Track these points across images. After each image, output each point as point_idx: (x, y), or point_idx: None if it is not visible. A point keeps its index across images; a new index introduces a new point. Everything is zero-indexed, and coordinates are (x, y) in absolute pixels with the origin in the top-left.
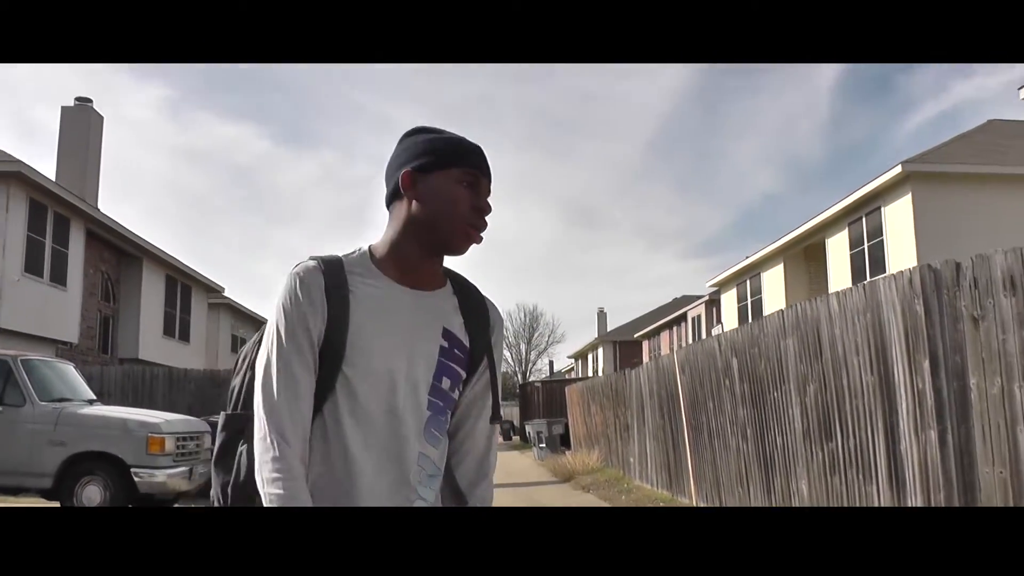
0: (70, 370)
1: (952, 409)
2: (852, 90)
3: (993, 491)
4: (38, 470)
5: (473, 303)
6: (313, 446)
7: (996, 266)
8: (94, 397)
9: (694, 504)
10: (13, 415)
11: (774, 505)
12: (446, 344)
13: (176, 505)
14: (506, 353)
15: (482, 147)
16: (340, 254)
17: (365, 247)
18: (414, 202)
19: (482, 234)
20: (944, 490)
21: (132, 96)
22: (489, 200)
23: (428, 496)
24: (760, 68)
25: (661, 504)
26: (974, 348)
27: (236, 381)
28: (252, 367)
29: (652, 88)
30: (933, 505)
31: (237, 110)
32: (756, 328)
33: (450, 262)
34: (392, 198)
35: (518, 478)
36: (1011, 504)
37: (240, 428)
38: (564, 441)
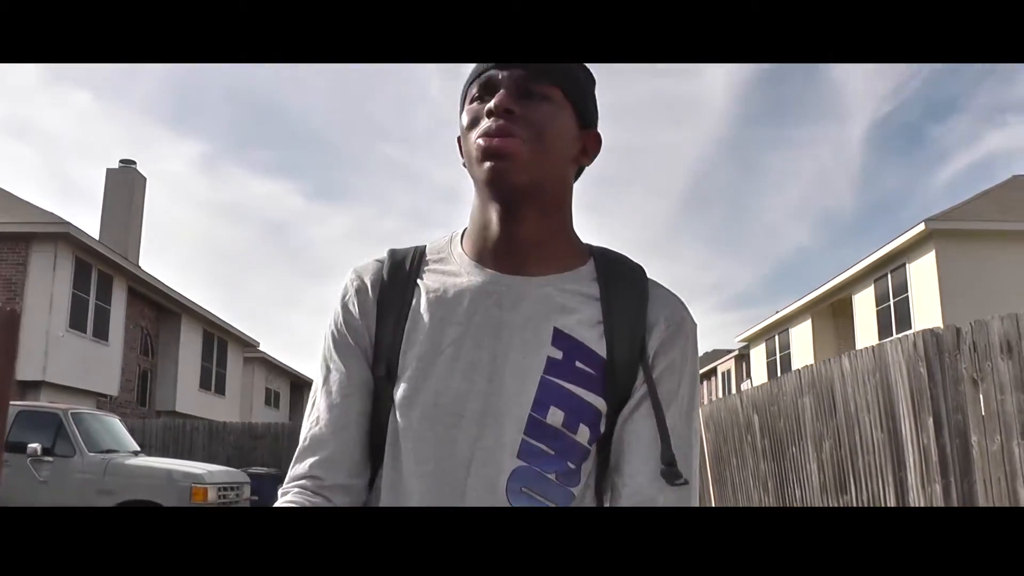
0: (116, 422)
1: (955, 465)
2: (884, 142)
3: None
4: None
5: (624, 290)
6: (381, 496)
7: (993, 331)
8: (138, 448)
9: None
10: (63, 465)
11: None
12: (559, 355)
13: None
14: None
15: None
16: (428, 242)
17: (460, 229)
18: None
19: (498, 140)
20: None
21: (170, 151)
22: (510, 94)
23: None
24: (793, 120)
25: None
26: (974, 408)
27: None
28: None
29: (686, 141)
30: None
31: (271, 166)
32: (775, 386)
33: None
34: None
35: None
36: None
37: None
38: None
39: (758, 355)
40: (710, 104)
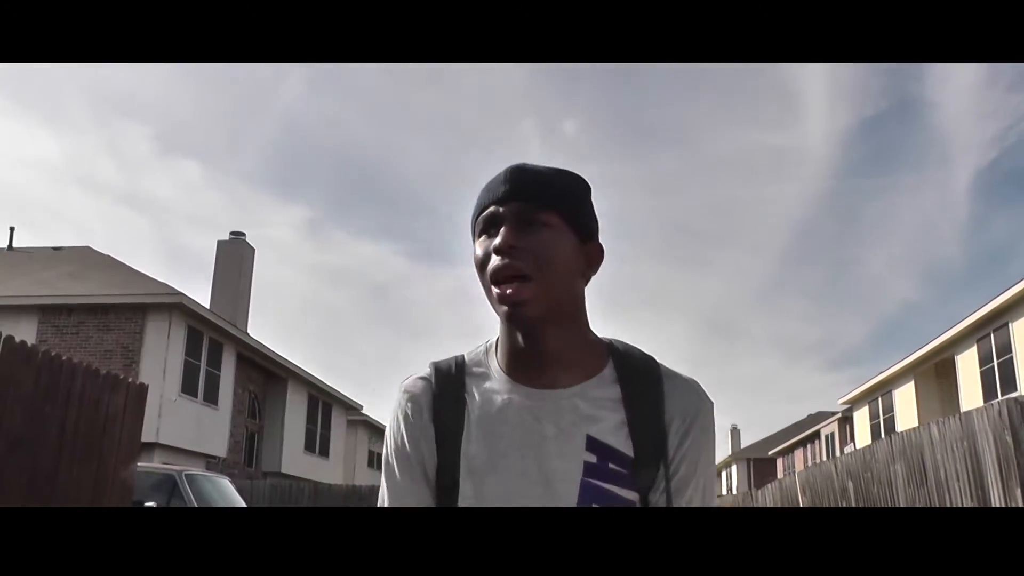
0: (226, 483)
1: None
2: (990, 191)
3: None
4: None
5: (642, 388)
6: None
7: None
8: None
9: None
10: None
11: None
12: (594, 459)
13: None
14: None
15: (518, 167)
16: (466, 352)
17: (494, 338)
18: None
19: (512, 287)
20: None
21: (275, 218)
22: (512, 229)
23: None
24: (896, 168)
25: None
26: None
27: None
28: None
29: (784, 193)
30: None
31: (374, 228)
32: (868, 453)
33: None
34: None
35: None
36: None
37: None
38: None
39: (861, 417)
40: (808, 156)
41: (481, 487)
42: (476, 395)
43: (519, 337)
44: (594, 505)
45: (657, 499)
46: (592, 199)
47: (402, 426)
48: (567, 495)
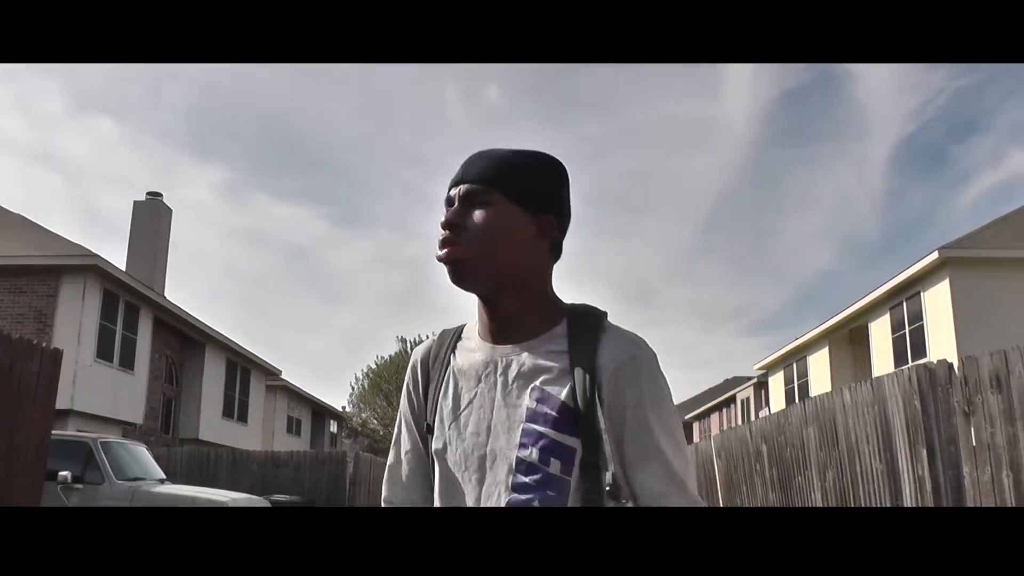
0: (142, 451)
1: (948, 495)
2: (907, 163)
3: None
4: None
5: (584, 341)
6: None
7: (983, 366)
8: (164, 476)
9: None
10: (92, 492)
11: None
12: (535, 405)
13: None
14: None
15: (480, 152)
16: (470, 322)
17: None
18: None
19: (445, 250)
20: None
21: (191, 178)
22: (457, 208)
23: None
24: (816, 139)
25: None
26: (966, 440)
27: None
28: None
29: (706, 163)
30: None
31: (293, 191)
32: (782, 417)
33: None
34: None
35: None
36: None
37: None
38: None
39: (776, 383)
40: (731, 126)
41: (443, 433)
42: (458, 355)
43: (479, 302)
44: (530, 448)
45: (597, 445)
46: (559, 175)
47: (407, 384)
48: (508, 441)
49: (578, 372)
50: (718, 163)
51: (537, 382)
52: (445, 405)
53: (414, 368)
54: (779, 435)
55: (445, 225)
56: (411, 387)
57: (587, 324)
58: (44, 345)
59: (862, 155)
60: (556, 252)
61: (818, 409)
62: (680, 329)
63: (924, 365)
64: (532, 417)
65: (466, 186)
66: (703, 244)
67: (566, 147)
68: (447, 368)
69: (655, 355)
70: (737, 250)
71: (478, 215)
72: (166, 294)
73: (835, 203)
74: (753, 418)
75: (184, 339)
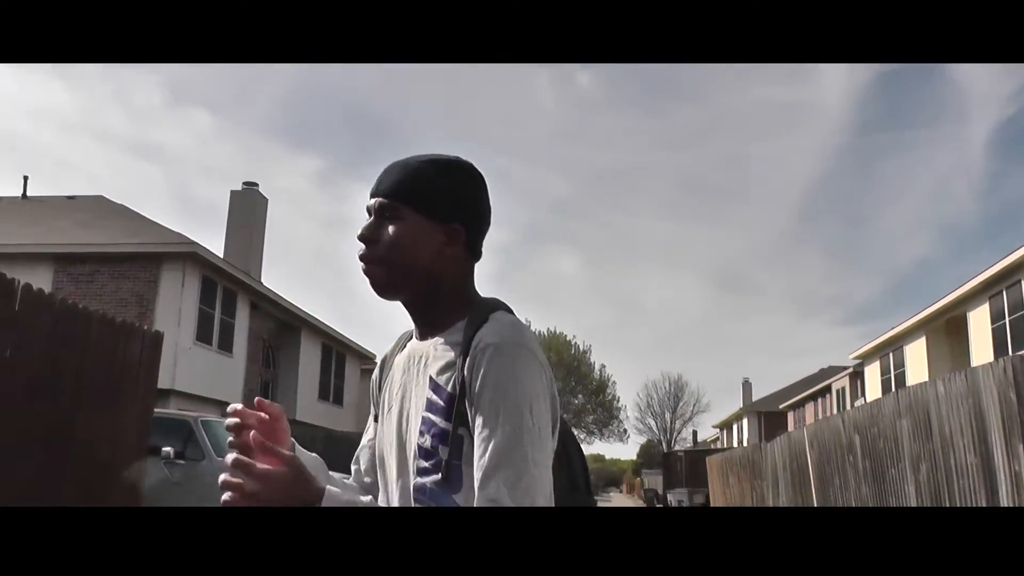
0: None
1: None
2: (1007, 146)
3: None
4: None
5: (469, 333)
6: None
7: None
8: None
9: None
10: (193, 469)
11: None
12: (431, 395)
13: None
14: (651, 422)
15: (395, 163)
16: None
17: None
18: None
19: (362, 265)
20: None
21: (288, 168)
22: (370, 222)
23: None
24: (913, 123)
25: None
26: None
27: None
28: None
29: (801, 149)
30: None
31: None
32: (875, 408)
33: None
34: None
35: None
36: None
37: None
38: None
39: (872, 373)
40: (825, 111)
41: (381, 422)
42: (401, 353)
43: (404, 307)
44: (426, 434)
45: (463, 431)
46: (468, 181)
47: (373, 374)
48: (413, 430)
49: (459, 361)
50: (813, 149)
51: (433, 372)
52: (383, 398)
53: (378, 365)
54: (872, 426)
55: (360, 239)
56: (372, 382)
57: (477, 316)
58: (145, 328)
59: (960, 138)
60: (473, 253)
61: (911, 400)
62: (775, 317)
63: (1020, 356)
64: (428, 406)
65: (378, 200)
66: (799, 231)
67: (658, 135)
68: (392, 364)
69: (527, 346)
70: (833, 237)
71: (390, 230)
72: (263, 280)
73: (932, 188)
74: (848, 408)
75: (280, 323)
